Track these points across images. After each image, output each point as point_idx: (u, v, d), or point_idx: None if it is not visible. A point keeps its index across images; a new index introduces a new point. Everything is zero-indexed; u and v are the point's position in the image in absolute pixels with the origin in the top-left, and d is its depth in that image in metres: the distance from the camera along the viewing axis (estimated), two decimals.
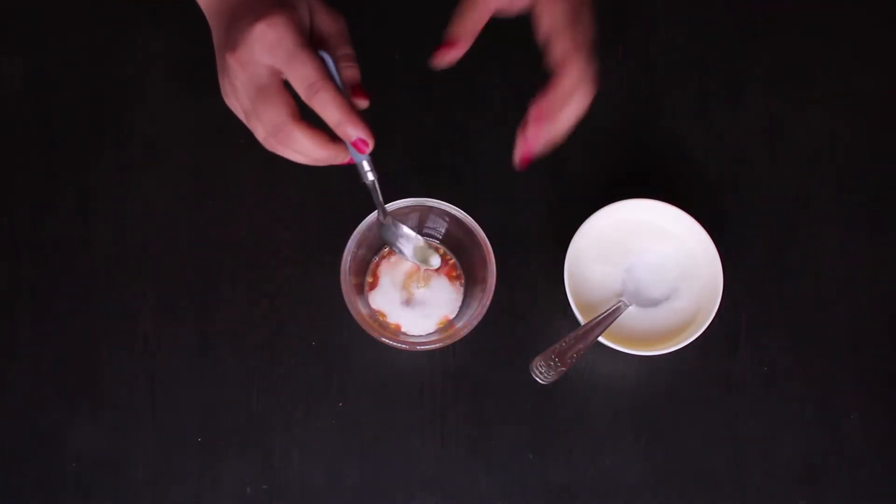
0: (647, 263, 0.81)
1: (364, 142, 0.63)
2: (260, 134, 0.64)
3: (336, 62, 0.65)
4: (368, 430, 0.80)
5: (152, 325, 0.81)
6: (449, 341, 0.74)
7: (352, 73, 0.66)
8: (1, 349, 0.80)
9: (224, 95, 0.65)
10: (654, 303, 0.80)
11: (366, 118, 0.63)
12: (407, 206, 0.75)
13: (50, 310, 0.81)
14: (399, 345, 0.73)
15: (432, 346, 0.74)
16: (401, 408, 0.80)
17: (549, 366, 0.74)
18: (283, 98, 0.62)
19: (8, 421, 0.79)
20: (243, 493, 0.78)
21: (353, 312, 0.73)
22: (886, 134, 0.87)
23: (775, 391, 0.82)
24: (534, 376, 0.75)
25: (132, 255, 0.82)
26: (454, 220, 0.76)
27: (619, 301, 0.78)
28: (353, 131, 0.63)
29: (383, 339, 0.73)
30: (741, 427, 0.81)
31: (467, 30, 0.67)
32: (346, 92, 0.64)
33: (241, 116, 0.65)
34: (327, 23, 0.65)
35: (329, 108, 0.62)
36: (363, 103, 0.67)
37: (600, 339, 0.76)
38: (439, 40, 0.87)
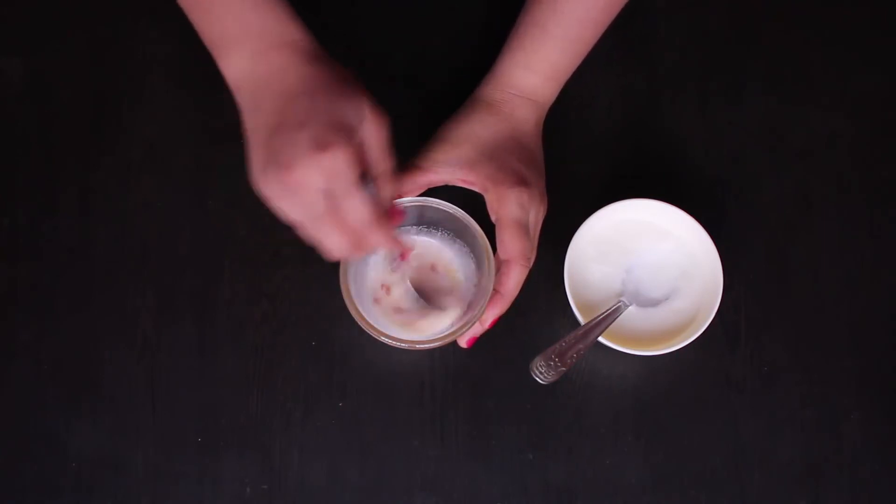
0: (647, 263, 0.81)
1: (408, 252, 0.76)
2: (333, 241, 0.66)
3: (377, 178, 0.67)
4: (368, 430, 0.80)
5: (152, 325, 0.81)
6: (449, 339, 0.74)
7: (391, 191, 0.69)
8: (1, 349, 0.80)
9: (260, 188, 0.65)
10: (654, 303, 0.80)
11: None
12: (407, 206, 0.75)
13: (50, 310, 0.81)
14: (399, 344, 0.73)
15: (432, 346, 0.74)
16: (401, 408, 0.80)
17: (549, 366, 0.74)
18: (363, 196, 0.65)
19: (8, 421, 0.79)
20: (243, 493, 0.78)
21: (352, 312, 0.73)
22: (886, 134, 0.87)
23: (775, 391, 0.82)
24: (534, 376, 0.75)
25: (132, 254, 0.82)
26: (454, 219, 0.76)
27: (619, 301, 0.78)
28: (400, 250, 0.72)
29: (383, 339, 0.73)
30: (741, 427, 0.81)
31: (405, 192, 0.75)
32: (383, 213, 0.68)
33: (287, 218, 0.66)
34: (374, 131, 0.66)
35: (378, 241, 0.67)
36: (398, 222, 0.71)
37: (600, 339, 0.76)
38: (439, 39, 0.87)
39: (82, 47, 0.85)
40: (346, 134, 0.63)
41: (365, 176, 0.66)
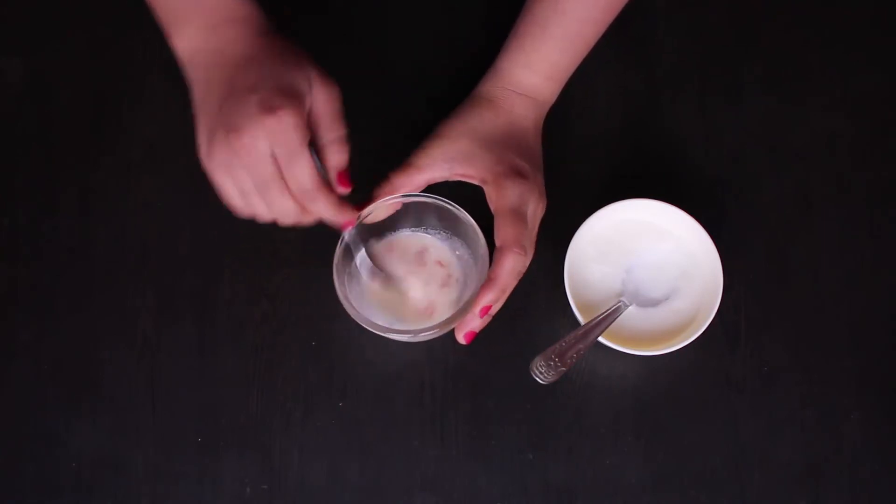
0: (647, 263, 0.81)
1: (350, 223, 0.72)
2: (261, 209, 0.68)
3: (326, 146, 0.68)
4: (368, 430, 0.80)
5: (152, 325, 0.81)
6: (446, 326, 0.73)
7: (339, 159, 0.69)
8: (1, 349, 0.80)
9: (206, 158, 0.67)
10: (654, 303, 0.80)
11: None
12: (406, 203, 0.75)
13: (50, 310, 0.81)
14: (400, 336, 0.73)
15: (429, 334, 0.73)
16: (401, 408, 0.80)
17: (549, 366, 0.74)
18: (307, 161, 0.66)
19: (8, 421, 0.79)
20: (243, 493, 0.78)
21: (349, 310, 0.73)
22: (886, 134, 0.87)
23: (775, 391, 0.82)
24: (534, 376, 0.75)
25: (132, 254, 0.82)
26: (452, 217, 0.76)
27: (619, 301, 0.78)
28: (344, 220, 0.70)
29: (379, 332, 0.72)
30: (741, 427, 0.81)
31: (401, 188, 0.75)
32: (330, 180, 0.69)
33: (228, 189, 0.67)
34: (323, 100, 0.67)
35: (321, 211, 0.68)
36: (345, 191, 0.70)
37: (600, 339, 0.76)
38: (439, 39, 0.87)
39: (82, 47, 0.85)
40: (294, 97, 0.64)
41: (311, 145, 0.66)
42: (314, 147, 0.67)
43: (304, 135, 0.65)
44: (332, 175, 0.69)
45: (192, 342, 0.80)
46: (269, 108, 0.63)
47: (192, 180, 0.83)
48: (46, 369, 0.80)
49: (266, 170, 0.65)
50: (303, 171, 0.65)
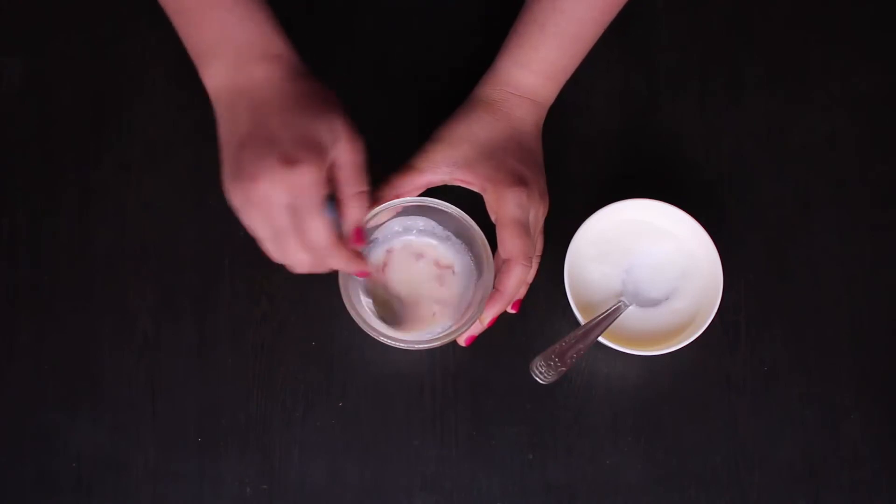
0: (647, 264, 0.81)
1: (364, 274, 0.72)
2: (296, 257, 0.67)
3: (345, 200, 0.67)
4: (368, 430, 0.80)
5: (152, 325, 0.81)
6: (447, 339, 0.74)
7: (357, 215, 0.69)
8: (1, 349, 0.80)
9: (229, 198, 0.66)
10: (654, 303, 0.80)
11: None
12: (407, 206, 0.75)
13: (50, 310, 0.81)
14: (398, 344, 0.73)
15: (432, 345, 0.74)
16: (401, 408, 0.80)
17: (549, 366, 0.74)
18: (322, 218, 0.66)
19: (8, 420, 0.79)
20: (243, 493, 0.78)
21: (351, 313, 0.73)
22: (887, 133, 0.87)
23: (775, 391, 0.82)
24: (534, 376, 0.75)
25: (132, 254, 0.82)
26: (453, 220, 0.76)
27: (619, 301, 0.78)
28: (357, 272, 0.71)
29: (382, 339, 0.73)
30: (741, 427, 0.81)
31: (399, 194, 0.75)
32: (345, 235, 0.69)
33: (253, 233, 0.67)
34: (347, 152, 0.66)
35: (334, 265, 0.69)
36: (359, 247, 0.70)
37: (600, 339, 0.76)
38: (438, 39, 0.87)
39: (82, 47, 0.85)
40: (316, 152, 0.64)
41: (331, 197, 0.66)
42: (332, 199, 0.67)
43: (321, 190, 0.64)
44: (347, 230, 0.68)
45: (192, 342, 0.80)
46: (288, 161, 0.62)
47: (192, 180, 0.83)
48: (46, 369, 0.80)
49: (282, 221, 0.64)
50: (317, 228, 0.65)
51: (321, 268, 0.68)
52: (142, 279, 0.81)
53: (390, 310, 0.78)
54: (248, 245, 0.82)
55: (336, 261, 0.67)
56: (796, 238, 0.85)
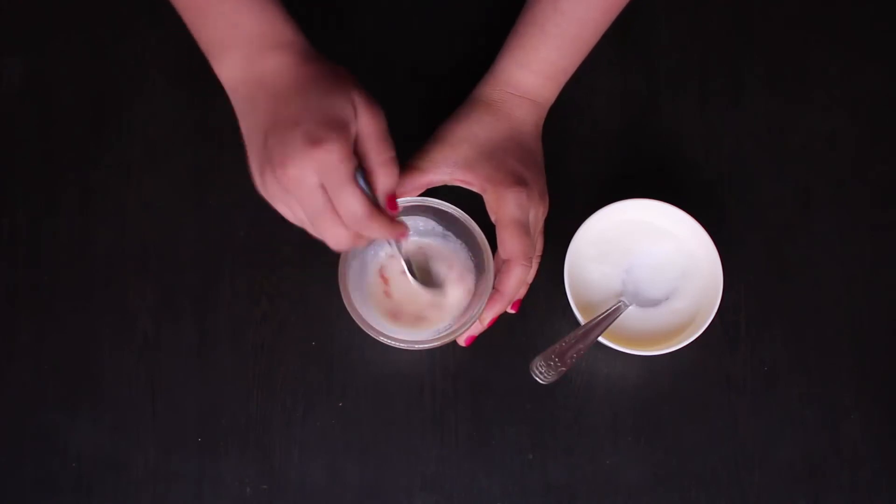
0: (647, 263, 0.81)
1: (404, 234, 0.70)
2: (334, 234, 0.67)
3: (374, 169, 0.67)
4: (368, 429, 0.80)
5: (152, 325, 0.81)
6: (447, 339, 0.74)
7: (388, 182, 0.68)
8: (1, 349, 0.80)
9: (262, 190, 0.67)
10: (654, 303, 0.80)
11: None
12: (407, 206, 0.75)
13: (50, 309, 0.81)
14: (398, 344, 0.73)
15: (431, 345, 0.74)
16: (401, 408, 0.80)
17: (549, 366, 0.74)
18: (356, 191, 0.65)
19: (8, 420, 0.79)
20: (243, 493, 0.78)
21: (351, 313, 0.73)
22: (887, 133, 0.87)
23: (775, 391, 0.82)
24: (534, 376, 0.75)
25: (132, 254, 0.82)
26: (453, 220, 0.76)
27: (619, 301, 0.78)
28: (399, 235, 0.70)
29: (382, 339, 0.73)
30: (741, 427, 0.81)
31: (404, 193, 0.75)
32: (379, 202, 0.68)
33: (291, 218, 0.68)
34: (369, 123, 0.66)
35: (375, 234, 0.68)
36: (395, 211, 0.69)
37: (600, 339, 0.76)
38: (439, 40, 0.87)
39: (82, 47, 0.85)
40: (339, 128, 0.64)
41: (360, 168, 0.66)
42: (361, 170, 0.67)
43: (350, 165, 0.64)
44: (381, 198, 0.68)
45: (192, 342, 0.80)
46: (314, 141, 0.63)
47: (192, 180, 0.83)
48: (46, 369, 0.80)
49: (317, 202, 0.64)
50: (353, 201, 0.65)
51: (360, 240, 0.68)
52: (142, 279, 0.81)
53: (391, 310, 0.78)
54: (248, 245, 0.82)
55: (376, 229, 0.67)
56: (796, 238, 0.85)
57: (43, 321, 0.81)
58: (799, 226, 0.85)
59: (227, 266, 0.82)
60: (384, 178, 0.67)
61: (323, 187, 0.64)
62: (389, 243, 0.76)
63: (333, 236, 0.67)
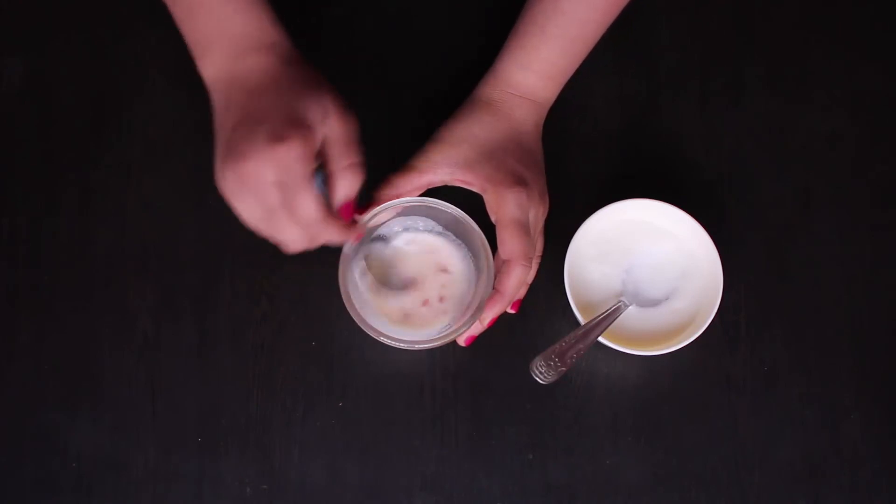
0: (647, 264, 0.81)
1: (359, 237, 0.73)
2: (288, 234, 0.68)
3: (335, 174, 0.68)
4: (368, 430, 0.80)
5: (152, 325, 0.81)
6: (447, 339, 0.74)
7: (347, 188, 0.69)
8: (1, 349, 0.80)
9: (220, 182, 0.67)
10: (654, 303, 0.80)
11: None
12: (407, 206, 0.75)
13: (50, 310, 0.81)
14: (398, 344, 0.73)
15: (431, 345, 0.74)
16: (401, 408, 0.80)
17: (549, 366, 0.74)
18: (310, 192, 0.66)
19: (8, 420, 0.79)
20: (243, 493, 0.78)
21: (351, 313, 0.73)
22: (887, 133, 0.87)
23: (775, 391, 0.82)
24: (534, 376, 0.75)
25: (132, 254, 0.82)
26: (454, 220, 0.76)
27: (619, 301, 0.78)
28: (351, 239, 0.72)
29: (382, 339, 0.73)
30: (741, 427, 0.81)
31: (400, 194, 0.75)
32: (333, 208, 0.69)
33: (246, 216, 0.67)
34: (337, 128, 0.67)
35: (327, 238, 0.69)
36: (348, 217, 0.70)
37: (600, 339, 0.76)
38: (438, 40, 0.87)
39: (82, 47, 0.85)
40: (303, 129, 0.64)
41: (322, 172, 0.66)
42: (323, 174, 0.67)
43: (308, 166, 0.64)
44: (336, 203, 0.68)
45: (192, 342, 0.80)
46: (276, 138, 0.63)
47: (192, 180, 0.83)
48: (46, 369, 0.80)
49: (272, 198, 0.65)
50: (307, 202, 0.65)
51: (314, 242, 0.69)
52: (142, 279, 0.81)
53: (389, 311, 0.78)
54: (248, 245, 0.82)
55: (328, 233, 0.68)
56: (796, 238, 0.85)
57: (43, 321, 0.81)
58: (799, 226, 0.85)
59: (227, 266, 0.82)
60: (343, 182, 0.68)
61: (280, 186, 0.64)
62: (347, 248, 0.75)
63: (287, 236, 0.67)
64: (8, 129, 0.84)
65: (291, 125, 0.64)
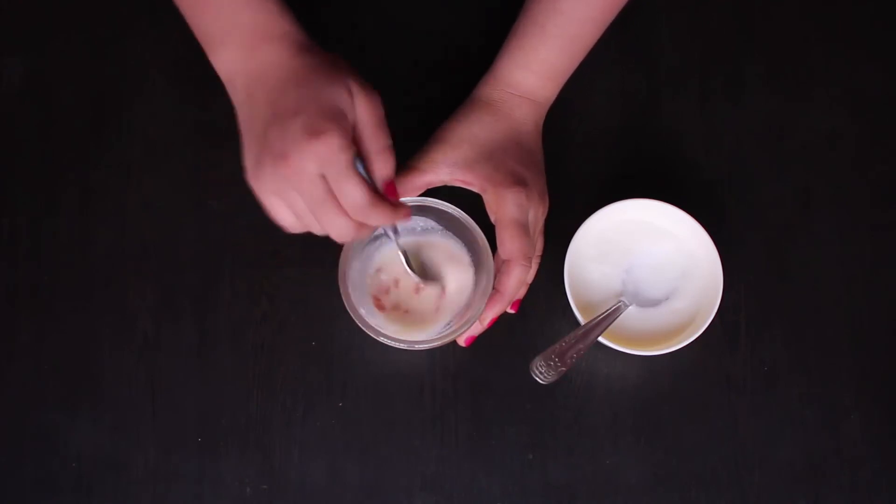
0: (647, 264, 0.81)
1: (408, 215, 0.70)
2: (317, 227, 0.67)
3: (371, 157, 0.67)
4: (368, 430, 0.80)
5: (152, 325, 0.81)
6: (447, 339, 0.74)
7: (386, 170, 0.68)
8: (1, 349, 0.80)
9: (255, 182, 0.66)
10: (654, 303, 0.80)
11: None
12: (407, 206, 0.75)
13: (50, 309, 0.81)
14: (398, 344, 0.73)
15: (431, 346, 0.74)
16: (401, 408, 0.80)
17: (549, 366, 0.74)
18: (357, 179, 0.65)
19: (8, 420, 0.79)
20: (243, 493, 0.78)
21: (351, 313, 0.73)
22: (887, 133, 0.87)
23: (775, 391, 0.82)
24: (534, 376, 0.75)
25: (132, 254, 0.82)
26: (453, 220, 0.76)
27: (619, 301, 0.78)
28: (403, 218, 0.69)
29: (382, 339, 0.73)
30: (741, 427, 0.81)
31: (404, 194, 0.75)
32: (379, 190, 0.68)
33: (279, 211, 0.67)
34: (366, 110, 0.67)
35: (379, 221, 0.67)
36: (395, 197, 0.69)
37: (600, 339, 0.76)
38: (438, 40, 0.87)
39: (82, 47, 0.85)
40: (338, 118, 0.64)
41: (358, 155, 0.66)
42: (360, 157, 0.67)
43: (350, 154, 0.64)
44: (380, 185, 0.68)
45: (192, 342, 0.81)
46: (313, 132, 0.63)
47: (192, 180, 0.83)
48: (46, 369, 0.80)
49: (318, 192, 0.64)
50: (354, 189, 0.65)
51: (364, 230, 0.68)
52: (142, 279, 0.81)
53: (391, 311, 0.78)
54: (249, 245, 0.82)
55: (379, 215, 0.67)
56: (796, 238, 0.85)
57: (43, 321, 0.81)
58: (799, 226, 0.85)
59: (227, 266, 0.82)
60: (382, 165, 0.67)
61: (323, 177, 0.64)
62: (388, 235, 0.75)
63: (336, 227, 0.66)
64: (8, 129, 0.84)
65: (325, 117, 0.64)
